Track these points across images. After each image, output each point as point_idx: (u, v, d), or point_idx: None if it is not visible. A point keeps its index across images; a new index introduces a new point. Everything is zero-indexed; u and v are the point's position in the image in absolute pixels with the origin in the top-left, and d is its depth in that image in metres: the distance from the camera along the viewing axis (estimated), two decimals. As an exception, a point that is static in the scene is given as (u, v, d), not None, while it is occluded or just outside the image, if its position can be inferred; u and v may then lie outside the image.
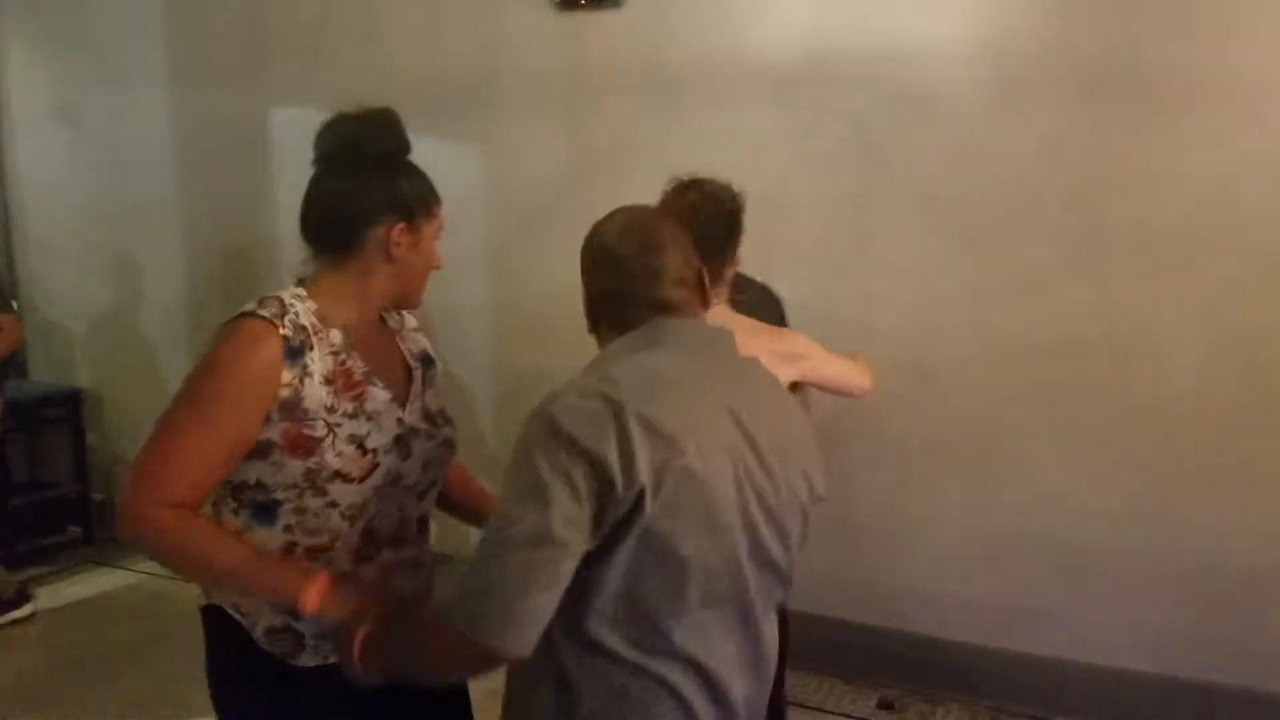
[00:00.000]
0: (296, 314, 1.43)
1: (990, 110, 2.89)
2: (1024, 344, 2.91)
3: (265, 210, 4.04)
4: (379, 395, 1.49)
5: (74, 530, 4.69)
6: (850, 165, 3.06)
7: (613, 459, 1.13)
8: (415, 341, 1.67)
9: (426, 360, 1.66)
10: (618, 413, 1.15)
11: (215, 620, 1.53)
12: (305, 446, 1.41)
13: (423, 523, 1.62)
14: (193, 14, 4.14)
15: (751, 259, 2.17)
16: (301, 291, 1.48)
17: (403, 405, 1.54)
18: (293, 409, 1.40)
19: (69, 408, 4.63)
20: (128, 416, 4.67)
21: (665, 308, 1.32)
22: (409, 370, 1.60)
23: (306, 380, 1.41)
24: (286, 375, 1.39)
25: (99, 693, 3.26)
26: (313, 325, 1.44)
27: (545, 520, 1.11)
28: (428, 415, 1.59)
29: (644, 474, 1.14)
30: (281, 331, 1.40)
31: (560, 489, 1.12)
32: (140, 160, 4.37)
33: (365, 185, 1.46)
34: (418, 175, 1.52)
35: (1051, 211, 2.86)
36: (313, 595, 1.33)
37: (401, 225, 1.46)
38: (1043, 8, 2.84)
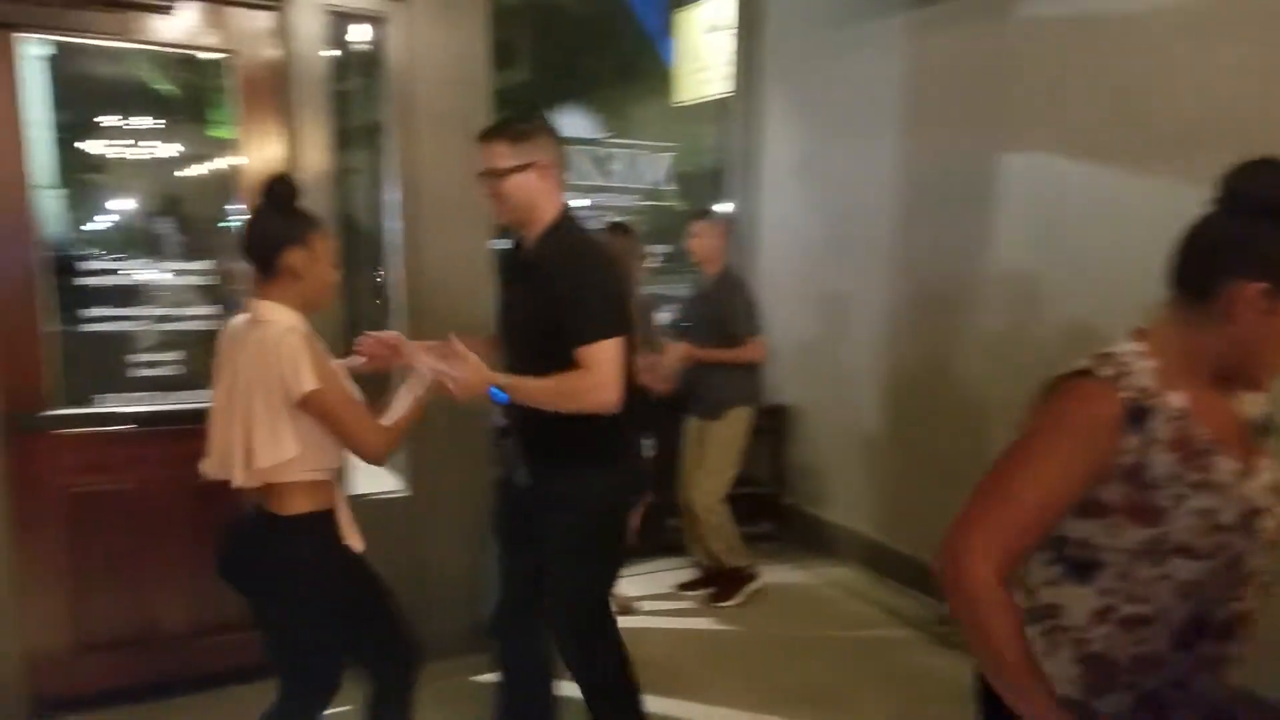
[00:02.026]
0: (1136, 374, 1.35)
1: None
2: None
3: (978, 254, 4.07)
4: (1225, 466, 1.35)
5: (766, 526, 5.31)
6: None
7: None
8: (1254, 403, 1.48)
9: (1266, 427, 1.48)
10: None
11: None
12: (1148, 516, 1.33)
13: (1247, 619, 1.42)
14: (932, 65, 4.32)
15: None
16: (1139, 347, 1.39)
17: (1250, 478, 1.37)
18: (1135, 477, 1.32)
19: (776, 420, 5.24)
20: (821, 433, 5.17)
21: None
22: (1250, 437, 1.43)
23: (1152, 447, 1.32)
24: (1129, 441, 1.32)
25: (776, 677, 3.62)
26: (1153, 387, 1.34)
27: None
28: (1275, 490, 1.41)
29: None
30: (1121, 395, 1.33)
31: None
32: (861, 206, 4.74)
33: (1249, 230, 1.31)
34: None
35: None
36: None
37: (1263, 287, 1.29)
38: None
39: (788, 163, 5.30)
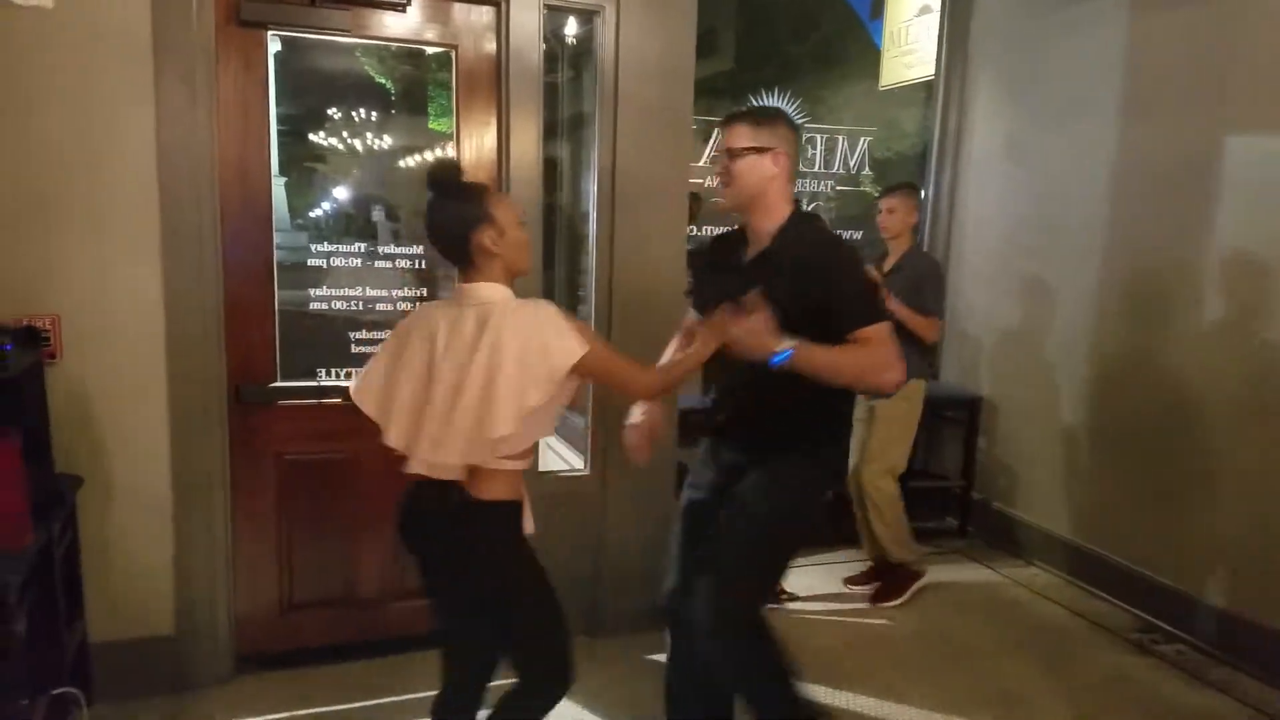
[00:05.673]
0: None
1: None
2: None
3: (1197, 244, 3.82)
4: None
5: (951, 521, 5.18)
6: None
7: None
8: None
9: None
10: None
11: None
12: None
13: None
14: (1151, 45, 4.09)
15: None
16: None
17: None
18: None
19: (967, 411, 5.08)
20: (1016, 427, 4.95)
21: None
22: None
23: None
24: None
25: (959, 678, 3.49)
26: None
27: None
28: None
29: None
30: None
31: None
32: (1068, 192, 4.51)
33: None
34: None
35: None
36: None
37: None
38: None
39: (993, 147, 5.10)
